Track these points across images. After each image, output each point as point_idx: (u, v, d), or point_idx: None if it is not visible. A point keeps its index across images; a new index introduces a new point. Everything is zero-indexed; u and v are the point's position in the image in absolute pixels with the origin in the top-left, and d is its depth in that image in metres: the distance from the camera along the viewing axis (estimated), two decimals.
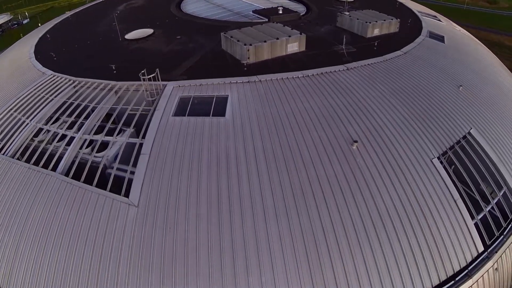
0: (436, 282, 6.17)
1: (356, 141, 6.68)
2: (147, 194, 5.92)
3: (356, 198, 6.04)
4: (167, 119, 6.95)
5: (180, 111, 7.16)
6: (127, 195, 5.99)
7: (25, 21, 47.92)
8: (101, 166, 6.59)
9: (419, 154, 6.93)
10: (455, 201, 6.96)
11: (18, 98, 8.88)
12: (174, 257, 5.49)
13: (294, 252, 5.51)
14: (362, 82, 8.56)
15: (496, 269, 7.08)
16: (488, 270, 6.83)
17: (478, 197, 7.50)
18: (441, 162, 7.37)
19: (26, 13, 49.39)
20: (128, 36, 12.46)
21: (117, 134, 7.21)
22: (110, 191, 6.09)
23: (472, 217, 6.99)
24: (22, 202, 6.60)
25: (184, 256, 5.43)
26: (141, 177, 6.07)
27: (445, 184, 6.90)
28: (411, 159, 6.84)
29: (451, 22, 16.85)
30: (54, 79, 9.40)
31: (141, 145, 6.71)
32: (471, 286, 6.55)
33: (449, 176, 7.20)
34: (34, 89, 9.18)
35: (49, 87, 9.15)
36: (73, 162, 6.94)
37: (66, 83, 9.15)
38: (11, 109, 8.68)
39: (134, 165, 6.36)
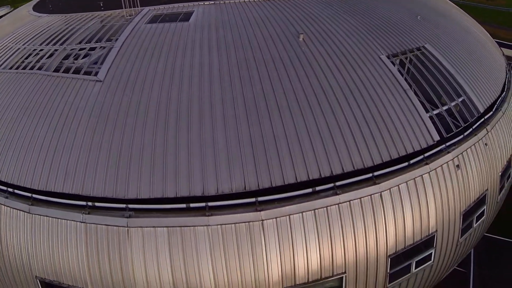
0: (386, 158, 6.54)
1: (302, 33, 7.79)
2: (113, 74, 7.19)
3: (300, 76, 6.94)
4: (140, 26, 8.32)
5: (152, 20, 8.71)
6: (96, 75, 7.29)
7: None
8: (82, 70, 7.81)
9: (366, 50, 7.96)
10: (405, 91, 7.65)
11: (13, 33, 10.28)
12: (133, 132, 6.29)
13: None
14: (319, 4, 9.79)
15: (458, 166, 7.33)
16: (448, 164, 7.14)
17: (436, 99, 8.19)
18: (392, 62, 8.19)
19: None
20: None
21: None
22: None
23: (427, 111, 7.62)
24: (12, 100, 7.68)
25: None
26: (109, 62, 7.23)
27: (394, 75, 7.73)
28: (358, 53, 7.87)
29: None
30: (47, 18, 11.18)
31: None
32: (429, 174, 6.84)
33: (399, 71, 8.04)
34: (29, 26, 10.81)
35: (42, 24, 10.86)
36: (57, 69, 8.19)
37: (58, 19, 10.88)
38: (5, 41, 10.09)
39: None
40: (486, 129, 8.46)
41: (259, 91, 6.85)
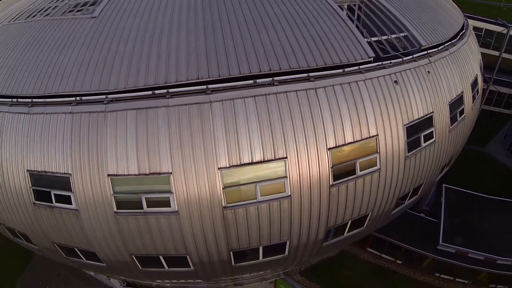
0: (321, 63, 8.06)
1: None
2: (106, 11, 9.68)
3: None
4: None
5: None
6: None
7: None
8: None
9: None
10: (343, 20, 9.43)
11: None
12: (118, 44, 8.48)
13: None
14: None
15: (396, 81, 8.48)
16: (385, 78, 8.37)
17: (376, 32, 9.92)
18: (340, 7, 9.93)
19: None
20: None
21: None
22: None
23: (365, 37, 9.26)
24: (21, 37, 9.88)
25: None
26: (104, 3, 9.58)
27: (334, 9, 9.32)
28: None
29: None
30: None
31: None
32: (364, 82, 8.10)
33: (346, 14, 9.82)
34: None
35: None
36: None
37: None
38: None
39: None
40: (429, 60, 9.84)
41: (215, 14, 9.00)
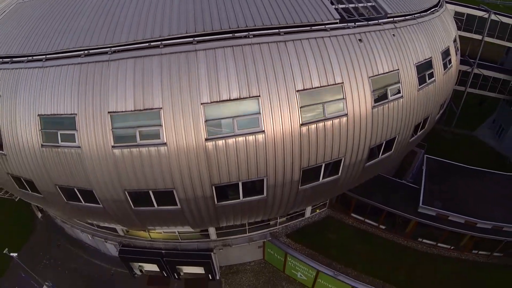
0: (290, 22, 9.75)
1: None
2: None
3: None
4: None
5: None
6: None
7: None
8: None
9: None
10: None
11: None
12: (122, 7, 10.14)
13: None
14: None
15: (360, 40, 9.75)
16: (349, 36, 9.79)
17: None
18: None
19: None
20: None
21: None
22: None
23: (332, 4, 10.79)
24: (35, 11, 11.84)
25: None
26: None
27: None
28: None
29: None
30: None
31: None
32: (330, 38, 9.68)
33: None
34: None
35: None
36: None
37: None
38: None
39: None
40: (394, 25, 11.25)
41: None
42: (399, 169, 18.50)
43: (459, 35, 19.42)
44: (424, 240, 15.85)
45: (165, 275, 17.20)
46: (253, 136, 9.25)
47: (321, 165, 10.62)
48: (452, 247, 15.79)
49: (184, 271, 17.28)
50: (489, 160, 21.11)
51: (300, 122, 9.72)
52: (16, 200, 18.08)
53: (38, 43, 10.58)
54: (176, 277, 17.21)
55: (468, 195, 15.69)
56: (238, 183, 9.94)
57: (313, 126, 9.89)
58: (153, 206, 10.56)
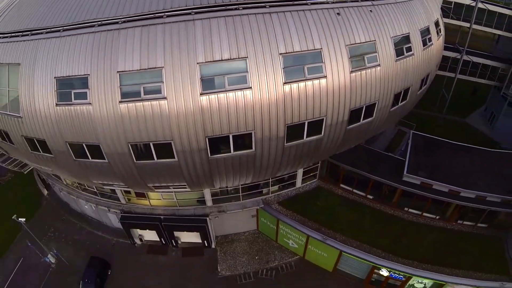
0: None
1: None
2: None
3: None
4: None
5: None
6: None
7: None
8: None
9: None
10: None
11: None
12: None
13: None
14: None
15: (338, 13, 11.18)
16: (328, 10, 11.71)
17: None
18: None
19: None
20: None
21: None
22: None
23: None
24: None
25: None
26: None
27: None
28: None
29: None
30: None
31: None
32: (310, 11, 11.26)
33: None
34: None
35: None
36: None
37: None
38: None
39: None
40: (372, 2, 12.52)
41: None
42: (387, 149, 19.41)
43: (448, 23, 20.62)
44: (410, 210, 16.73)
45: (164, 242, 18.43)
46: (242, 92, 10.82)
47: (304, 123, 12.02)
48: (437, 217, 16.61)
49: (182, 240, 18.55)
50: (481, 146, 22.04)
51: (283, 81, 11.19)
52: (25, 173, 19.26)
53: (55, 18, 12.48)
54: (174, 244, 18.45)
55: (453, 167, 16.67)
56: (229, 136, 11.37)
57: (294, 85, 11.37)
58: (153, 159, 12.07)
